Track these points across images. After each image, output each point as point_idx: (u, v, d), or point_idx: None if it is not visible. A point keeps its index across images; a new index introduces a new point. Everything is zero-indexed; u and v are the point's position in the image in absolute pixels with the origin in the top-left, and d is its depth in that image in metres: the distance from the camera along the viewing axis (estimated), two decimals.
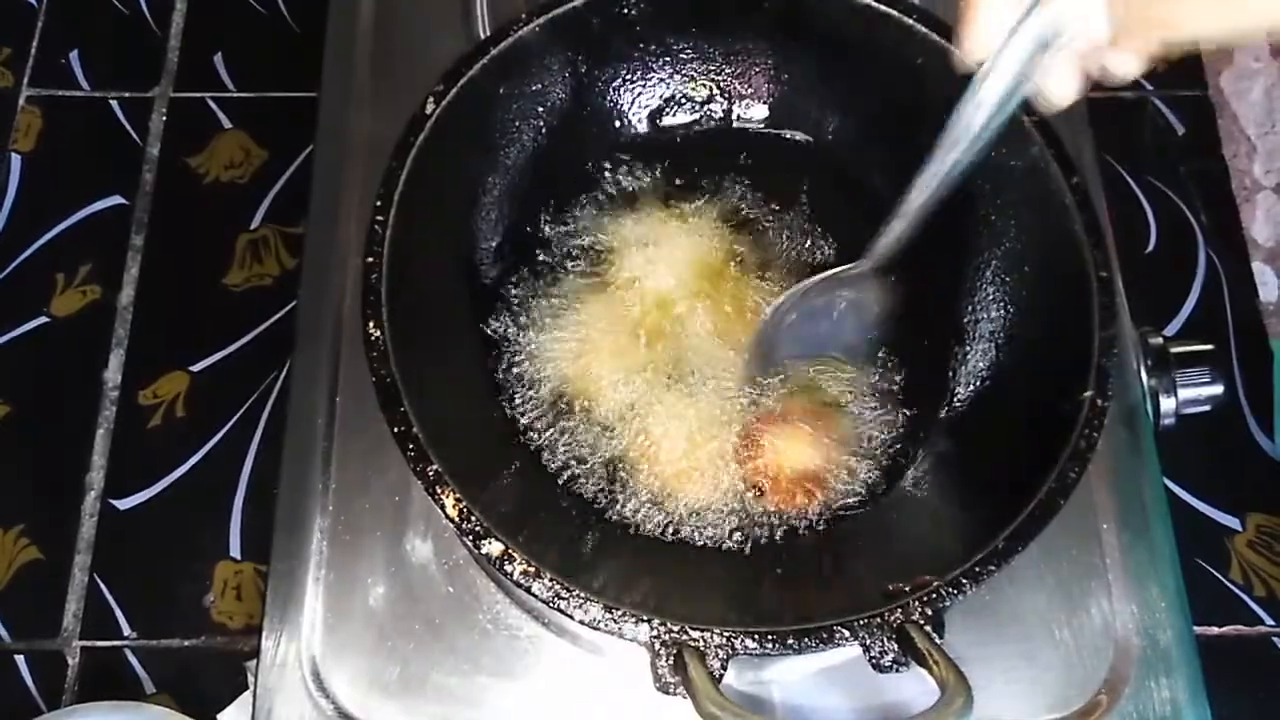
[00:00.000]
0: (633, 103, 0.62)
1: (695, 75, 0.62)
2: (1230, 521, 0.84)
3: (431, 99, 0.53)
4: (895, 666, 0.43)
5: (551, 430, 0.55)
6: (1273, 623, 0.81)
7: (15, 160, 0.96)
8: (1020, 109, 0.50)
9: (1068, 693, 0.53)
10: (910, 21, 0.56)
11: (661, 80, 0.62)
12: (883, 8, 0.56)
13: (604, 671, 0.54)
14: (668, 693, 0.42)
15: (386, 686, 0.53)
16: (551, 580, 0.44)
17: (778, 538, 0.53)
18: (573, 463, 0.54)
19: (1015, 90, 0.43)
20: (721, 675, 0.42)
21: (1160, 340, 0.59)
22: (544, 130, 0.59)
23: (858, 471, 0.54)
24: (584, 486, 0.54)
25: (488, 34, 0.57)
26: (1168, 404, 0.58)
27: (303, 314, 0.61)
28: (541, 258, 0.59)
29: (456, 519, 0.45)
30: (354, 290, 0.59)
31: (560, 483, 0.54)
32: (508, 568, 0.44)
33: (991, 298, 0.56)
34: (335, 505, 0.56)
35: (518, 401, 0.56)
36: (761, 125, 0.63)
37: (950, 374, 0.56)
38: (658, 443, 0.55)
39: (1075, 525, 0.56)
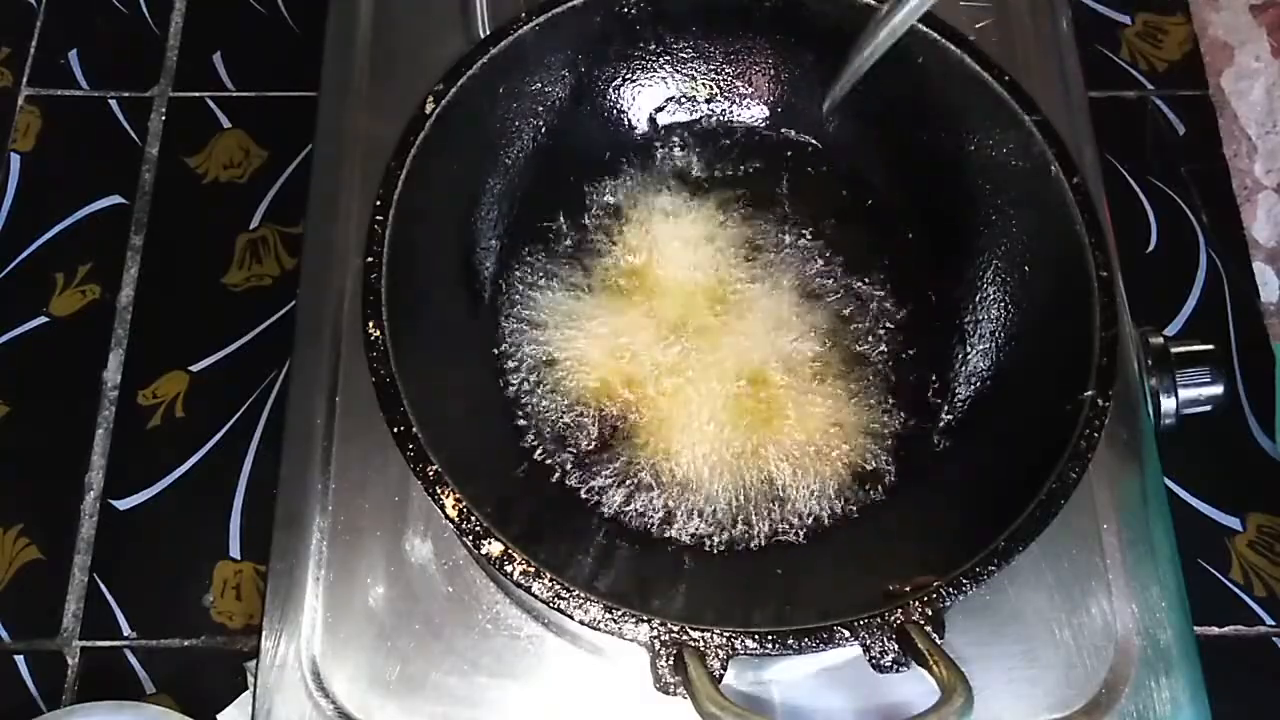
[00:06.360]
0: (633, 102, 0.62)
1: (695, 75, 0.62)
2: (1230, 521, 0.84)
3: (431, 99, 0.53)
4: (895, 666, 0.43)
5: (552, 428, 0.55)
6: (1273, 623, 0.81)
7: (14, 160, 0.96)
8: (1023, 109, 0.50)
9: (1068, 693, 0.53)
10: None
11: (661, 80, 0.62)
12: None
13: (604, 671, 0.54)
14: (668, 693, 0.42)
15: (386, 686, 0.53)
16: (551, 580, 0.44)
17: (778, 537, 0.53)
18: (573, 461, 0.54)
19: None
20: (721, 675, 0.42)
21: (1161, 340, 0.59)
22: (544, 130, 0.59)
23: (858, 471, 0.54)
24: (585, 485, 0.54)
25: (488, 34, 0.57)
26: (1168, 404, 0.58)
27: (302, 314, 0.61)
28: (541, 257, 0.59)
29: (456, 519, 0.45)
30: (354, 290, 0.59)
31: (561, 481, 0.54)
32: (508, 568, 0.44)
33: (992, 298, 0.56)
34: (335, 505, 0.56)
35: (518, 400, 0.56)
36: (761, 125, 0.63)
37: (950, 374, 0.56)
38: (660, 440, 0.55)
39: (1075, 525, 0.55)
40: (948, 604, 0.44)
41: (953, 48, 0.55)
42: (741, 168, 0.62)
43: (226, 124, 0.98)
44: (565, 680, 0.53)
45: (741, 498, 0.54)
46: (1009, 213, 0.55)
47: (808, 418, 0.55)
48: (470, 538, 0.45)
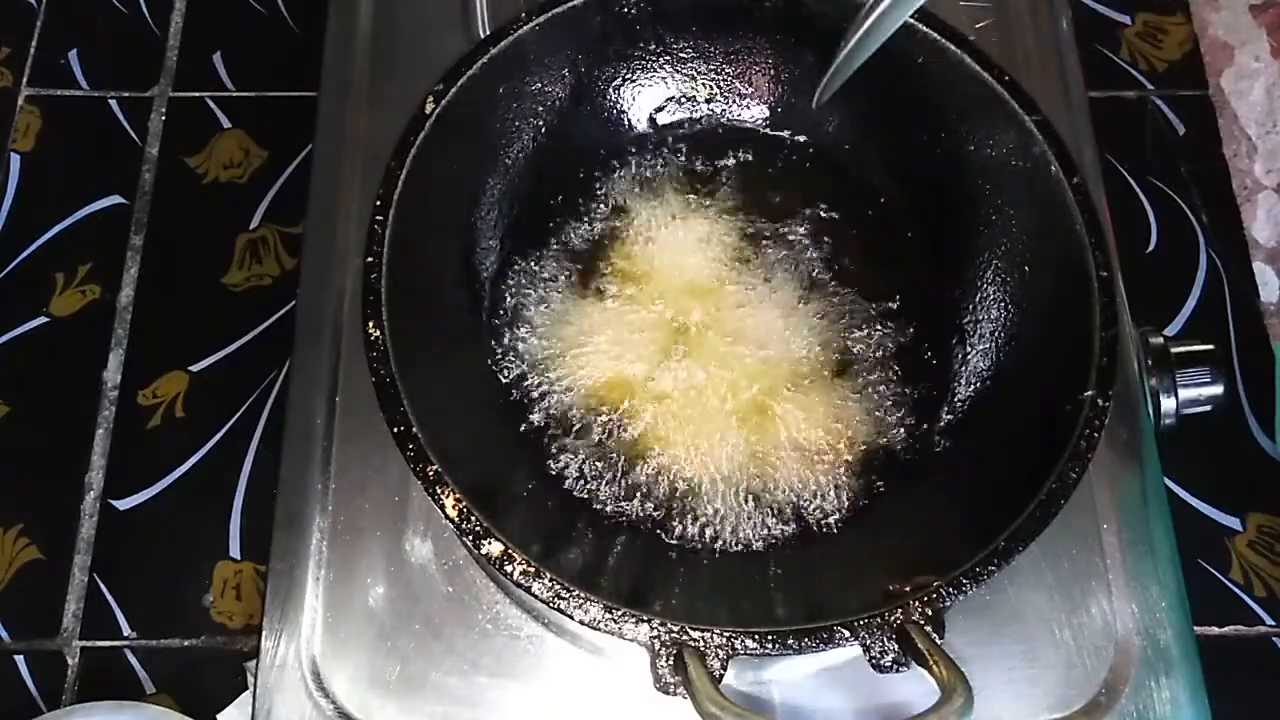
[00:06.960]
0: (633, 102, 0.62)
1: (695, 75, 0.62)
2: (1230, 521, 0.84)
3: (431, 98, 0.53)
4: (895, 666, 0.43)
5: (551, 429, 0.55)
6: (1273, 623, 0.81)
7: (14, 160, 0.96)
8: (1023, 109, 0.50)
9: (1068, 693, 0.53)
10: (911, 20, 0.56)
11: (661, 80, 0.62)
12: None
13: (604, 671, 0.54)
14: (668, 693, 0.42)
15: (386, 686, 0.53)
16: (551, 580, 0.44)
17: (778, 538, 0.53)
18: (573, 461, 0.54)
19: None
20: (721, 675, 0.42)
21: (1161, 340, 0.59)
22: (544, 130, 0.59)
23: (858, 472, 0.54)
24: (584, 485, 0.54)
25: (488, 34, 0.57)
26: (1168, 404, 0.58)
27: (302, 314, 0.61)
28: (542, 257, 0.59)
29: (456, 519, 0.45)
30: (354, 290, 0.59)
31: (561, 482, 0.54)
32: (508, 568, 0.44)
33: (992, 298, 0.56)
34: (335, 505, 0.56)
35: (518, 400, 0.56)
36: (761, 125, 0.63)
37: (950, 374, 0.56)
38: (659, 440, 0.55)
39: (1075, 525, 0.55)
40: (948, 604, 0.44)
41: (953, 48, 0.55)
42: (741, 168, 0.62)
43: (226, 124, 0.98)
44: (565, 680, 0.53)
45: (741, 497, 0.54)
46: (1009, 213, 0.55)
47: (807, 417, 0.55)
48: (470, 538, 0.45)
